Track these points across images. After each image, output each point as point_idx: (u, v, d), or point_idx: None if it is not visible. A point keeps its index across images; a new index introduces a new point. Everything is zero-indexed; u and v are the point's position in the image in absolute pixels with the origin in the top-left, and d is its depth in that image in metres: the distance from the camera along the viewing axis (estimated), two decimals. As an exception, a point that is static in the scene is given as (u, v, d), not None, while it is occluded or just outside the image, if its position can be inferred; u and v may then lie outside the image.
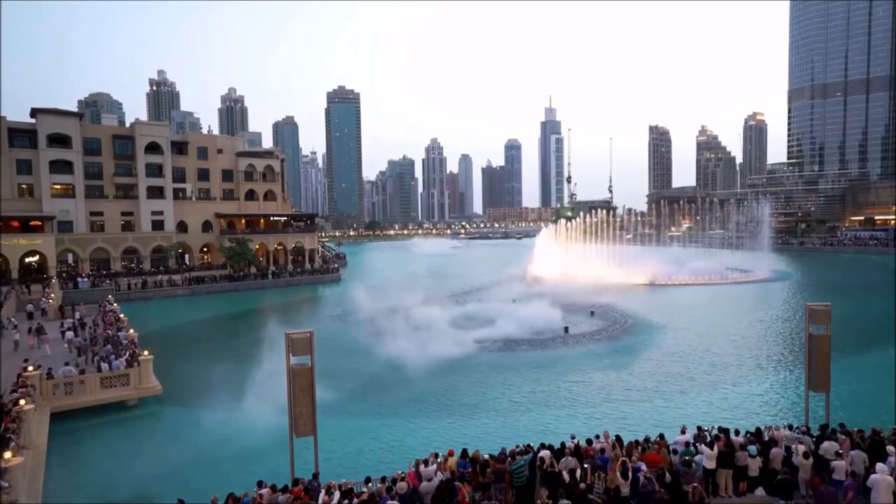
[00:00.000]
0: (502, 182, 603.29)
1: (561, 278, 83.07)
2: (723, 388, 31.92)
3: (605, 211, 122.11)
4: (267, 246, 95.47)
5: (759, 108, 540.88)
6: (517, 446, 16.39)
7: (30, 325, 45.05)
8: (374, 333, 46.05)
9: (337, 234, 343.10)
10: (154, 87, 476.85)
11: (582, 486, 13.80)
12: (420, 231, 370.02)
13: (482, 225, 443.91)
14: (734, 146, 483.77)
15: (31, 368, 27.69)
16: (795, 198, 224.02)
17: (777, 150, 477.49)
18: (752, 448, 15.46)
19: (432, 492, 14.01)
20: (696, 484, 13.87)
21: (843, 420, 17.88)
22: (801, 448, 15.08)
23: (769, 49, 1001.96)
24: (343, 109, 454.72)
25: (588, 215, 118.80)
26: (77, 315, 48.15)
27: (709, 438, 16.28)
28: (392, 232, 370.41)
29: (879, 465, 13.48)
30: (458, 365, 36.99)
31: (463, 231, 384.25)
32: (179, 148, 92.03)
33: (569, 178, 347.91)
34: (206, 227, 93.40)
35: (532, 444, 16.47)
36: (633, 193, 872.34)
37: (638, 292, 71.97)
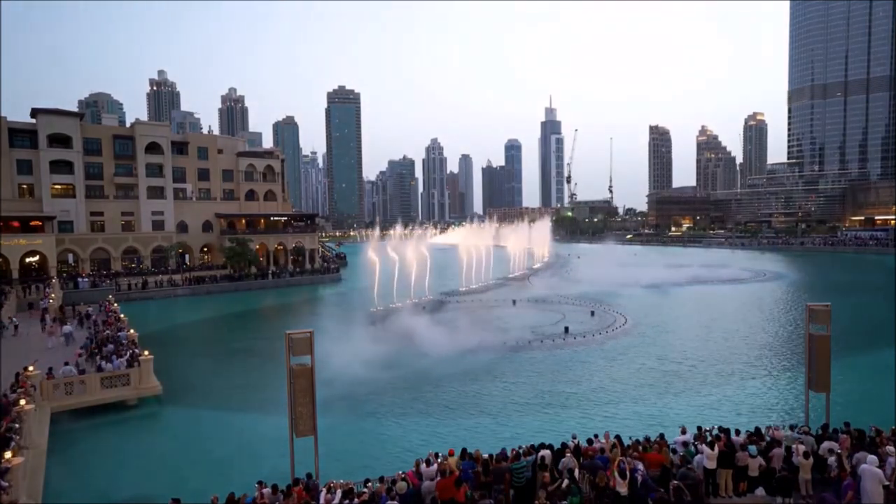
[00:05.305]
0: (502, 182, 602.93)
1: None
2: (723, 388, 31.91)
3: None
4: (267, 246, 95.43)
5: (759, 108, 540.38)
6: (520, 447, 16.38)
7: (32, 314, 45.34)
8: (376, 334, 46.02)
9: (338, 234, 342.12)
10: (154, 87, 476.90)
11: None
12: (421, 231, 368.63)
13: (481, 225, 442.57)
14: (734, 146, 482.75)
15: (31, 368, 27.71)
16: (795, 198, 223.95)
17: (777, 150, 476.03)
18: (753, 448, 15.45)
19: (432, 492, 13.98)
20: (676, 481, 13.85)
21: (844, 420, 17.86)
22: (802, 448, 15.09)
23: (769, 49, 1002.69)
24: (343, 109, 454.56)
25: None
26: (82, 312, 48.32)
27: (709, 438, 16.27)
28: (391, 232, 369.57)
29: (870, 457, 13.60)
30: (458, 365, 36.97)
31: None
32: (180, 148, 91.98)
33: (569, 178, 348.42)
34: (207, 227, 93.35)
35: (534, 445, 16.46)
36: (634, 193, 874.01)
37: (642, 292, 71.92)
